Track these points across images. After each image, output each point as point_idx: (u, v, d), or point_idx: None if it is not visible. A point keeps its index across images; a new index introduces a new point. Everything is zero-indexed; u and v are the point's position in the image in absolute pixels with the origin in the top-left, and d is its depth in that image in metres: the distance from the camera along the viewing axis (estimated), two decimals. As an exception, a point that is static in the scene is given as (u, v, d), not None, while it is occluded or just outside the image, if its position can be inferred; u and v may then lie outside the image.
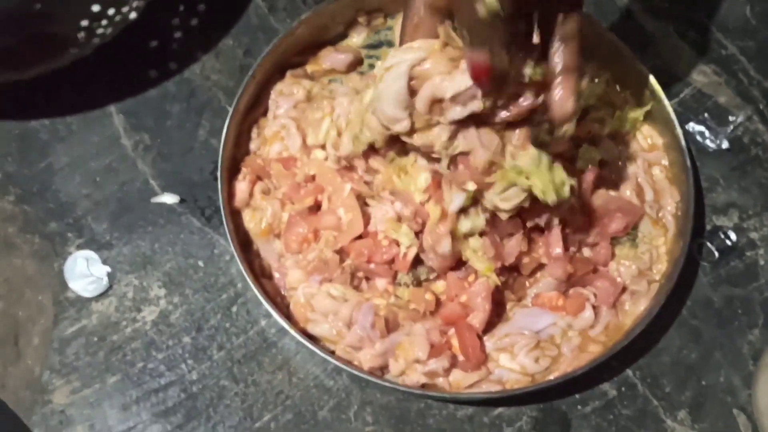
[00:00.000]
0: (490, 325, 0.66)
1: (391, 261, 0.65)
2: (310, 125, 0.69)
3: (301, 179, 0.69)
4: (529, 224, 0.65)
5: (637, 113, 0.74)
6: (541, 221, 0.65)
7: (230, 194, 0.69)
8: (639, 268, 0.69)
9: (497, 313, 0.67)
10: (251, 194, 0.70)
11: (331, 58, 0.75)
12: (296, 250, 0.67)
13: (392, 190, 0.65)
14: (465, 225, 0.62)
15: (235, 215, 0.69)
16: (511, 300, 0.68)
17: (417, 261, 0.65)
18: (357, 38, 0.77)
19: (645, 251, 0.70)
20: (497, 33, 0.50)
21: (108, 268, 0.70)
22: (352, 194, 0.66)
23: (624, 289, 0.69)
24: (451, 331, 0.65)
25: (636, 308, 0.68)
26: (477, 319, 0.64)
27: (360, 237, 0.66)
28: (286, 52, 0.73)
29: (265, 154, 0.71)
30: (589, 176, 0.69)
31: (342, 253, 0.66)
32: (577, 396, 0.67)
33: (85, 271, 0.70)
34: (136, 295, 0.70)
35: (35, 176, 0.73)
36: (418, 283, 0.66)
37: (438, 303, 0.65)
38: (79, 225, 0.72)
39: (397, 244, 0.65)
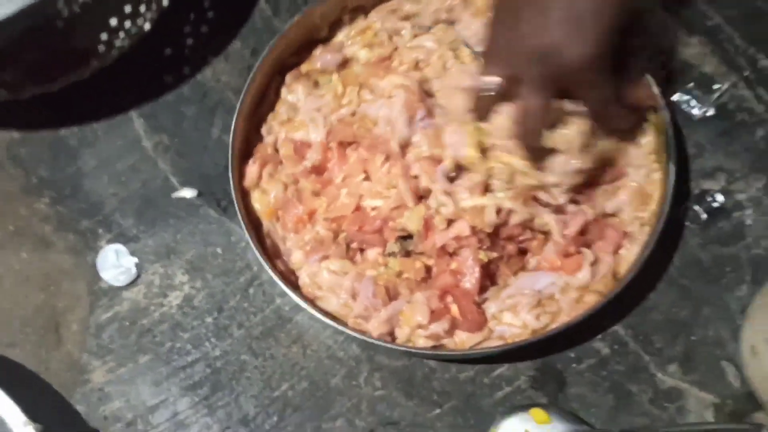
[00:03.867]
0: (483, 288, 0.68)
1: (380, 230, 0.69)
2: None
3: (309, 165, 0.73)
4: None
5: None
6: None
7: (241, 178, 0.74)
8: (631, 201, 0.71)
9: (487, 274, 0.69)
10: (260, 176, 0.74)
11: (322, 58, 0.78)
12: (293, 230, 0.72)
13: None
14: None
15: (247, 200, 0.74)
16: (505, 274, 0.70)
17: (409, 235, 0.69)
18: (341, 35, 0.80)
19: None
20: None
21: (136, 259, 0.76)
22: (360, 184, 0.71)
23: (625, 234, 0.70)
24: (450, 297, 0.69)
25: (630, 254, 0.69)
26: (470, 282, 0.67)
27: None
28: (284, 52, 0.78)
29: (279, 135, 0.76)
30: None
31: (336, 228, 0.71)
32: (571, 354, 0.71)
33: (115, 263, 0.76)
34: (162, 282, 0.76)
35: (67, 179, 0.80)
36: (406, 253, 0.69)
37: (428, 270, 0.69)
38: (108, 221, 0.78)
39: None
